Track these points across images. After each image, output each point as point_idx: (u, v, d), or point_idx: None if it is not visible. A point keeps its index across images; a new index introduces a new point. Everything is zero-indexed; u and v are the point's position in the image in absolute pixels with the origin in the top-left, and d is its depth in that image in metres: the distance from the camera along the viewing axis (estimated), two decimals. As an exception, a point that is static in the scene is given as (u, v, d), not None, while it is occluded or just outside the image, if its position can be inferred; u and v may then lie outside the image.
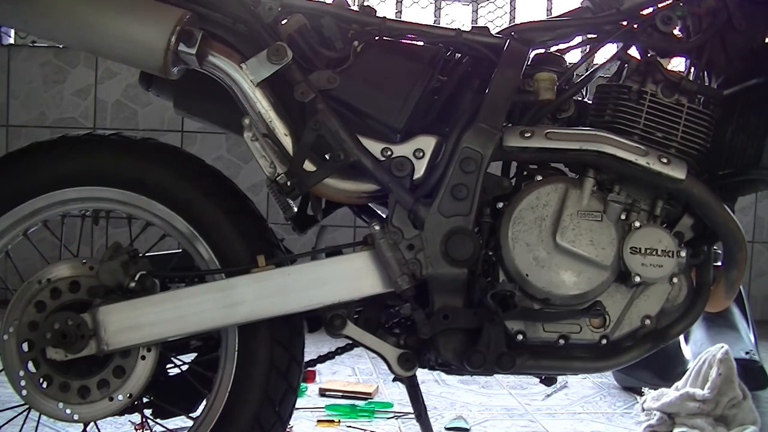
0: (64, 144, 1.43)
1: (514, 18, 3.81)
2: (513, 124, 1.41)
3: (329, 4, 1.44)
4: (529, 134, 1.36)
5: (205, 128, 3.52)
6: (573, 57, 1.54)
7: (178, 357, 1.49)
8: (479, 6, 3.83)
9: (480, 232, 1.39)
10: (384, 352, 1.39)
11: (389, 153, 1.36)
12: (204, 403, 1.44)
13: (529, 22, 1.47)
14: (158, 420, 1.49)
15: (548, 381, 1.54)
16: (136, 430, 1.81)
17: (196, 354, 1.53)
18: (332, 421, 2.02)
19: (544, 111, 1.41)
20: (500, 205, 1.39)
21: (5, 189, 1.40)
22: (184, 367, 1.48)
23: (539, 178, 1.39)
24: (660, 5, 1.42)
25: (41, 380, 1.37)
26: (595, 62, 1.69)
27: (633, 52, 1.45)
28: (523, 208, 1.36)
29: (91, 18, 1.30)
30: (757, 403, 2.05)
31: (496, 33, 1.46)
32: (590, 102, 1.48)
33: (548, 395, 2.32)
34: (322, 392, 2.25)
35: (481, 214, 1.38)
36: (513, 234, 1.35)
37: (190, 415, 1.47)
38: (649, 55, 1.44)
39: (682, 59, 1.52)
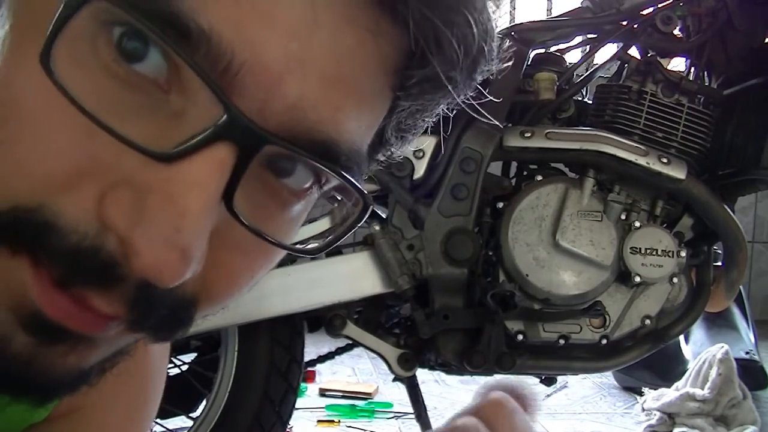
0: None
1: (514, 18, 3.81)
2: (513, 124, 1.41)
3: None
4: (529, 134, 1.36)
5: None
6: (573, 57, 1.54)
7: (178, 357, 1.49)
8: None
9: (480, 232, 1.39)
10: (384, 352, 1.39)
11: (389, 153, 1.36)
12: (204, 403, 1.44)
13: (529, 22, 1.47)
14: (158, 420, 1.49)
15: (548, 381, 1.54)
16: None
17: (196, 354, 1.53)
18: (332, 421, 2.01)
19: (544, 111, 1.41)
20: (500, 205, 1.39)
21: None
22: (184, 367, 1.48)
23: (539, 178, 1.39)
24: (660, 5, 1.42)
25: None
26: (595, 62, 1.69)
27: (633, 52, 1.45)
28: (523, 208, 1.36)
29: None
30: (757, 403, 2.05)
31: (496, 33, 1.46)
32: (590, 102, 1.48)
33: (548, 395, 2.31)
34: (322, 392, 2.25)
35: (481, 214, 1.38)
36: (513, 234, 1.35)
37: (190, 415, 1.47)
38: (649, 55, 1.44)
39: (682, 59, 1.52)
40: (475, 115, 0.41)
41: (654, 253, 1.35)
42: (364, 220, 0.37)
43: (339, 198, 0.39)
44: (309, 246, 0.39)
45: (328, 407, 2.11)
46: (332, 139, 0.34)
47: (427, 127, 0.42)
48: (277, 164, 0.34)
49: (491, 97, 0.42)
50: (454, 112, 0.40)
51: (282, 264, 1.37)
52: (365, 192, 0.36)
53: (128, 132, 0.30)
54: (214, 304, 0.37)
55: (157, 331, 0.34)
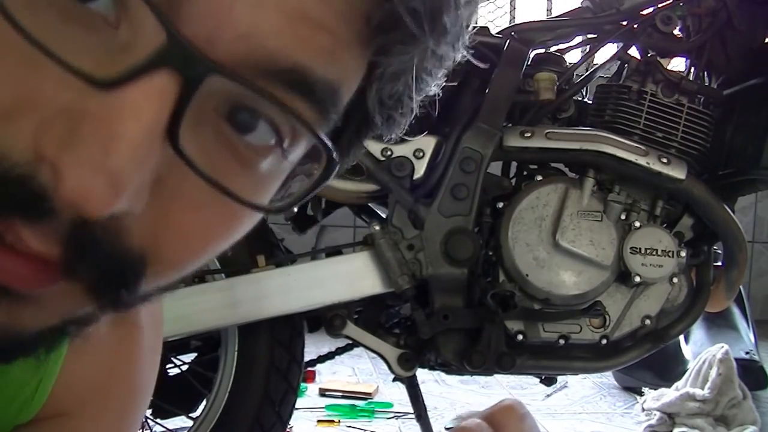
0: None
1: (514, 18, 3.81)
2: (513, 124, 1.41)
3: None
4: (529, 134, 1.36)
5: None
6: (573, 57, 1.54)
7: (178, 357, 1.49)
8: (479, 6, 3.82)
9: (480, 232, 1.39)
10: (384, 352, 1.39)
11: (389, 153, 1.36)
12: (204, 403, 1.44)
13: (529, 22, 1.47)
14: (158, 420, 1.49)
15: (548, 381, 1.54)
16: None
17: (196, 354, 1.53)
18: (332, 421, 2.01)
19: (544, 111, 1.41)
20: (500, 205, 1.39)
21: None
22: (184, 367, 1.48)
23: (539, 178, 1.39)
24: (660, 5, 1.42)
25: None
26: (595, 62, 1.69)
27: (633, 52, 1.45)
28: (523, 208, 1.36)
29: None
30: (757, 403, 2.05)
31: (496, 33, 1.46)
32: (590, 102, 1.48)
33: (548, 395, 2.31)
34: (322, 392, 2.24)
35: (481, 214, 1.38)
36: (513, 234, 1.35)
37: (190, 415, 1.47)
38: (649, 55, 1.44)
39: (682, 59, 1.52)
40: (471, 57, 0.38)
41: (654, 253, 1.35)
42: (331, 175, 0.35)
43: (312, 166, 0.37)
44: (271, 204, 0.37)
45: (328, 407, 2.11)
46: (302, 65, 0.32)
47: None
48: (237, 117, 0.33)
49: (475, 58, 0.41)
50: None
51: (282, 264, 1.37)
52: (327, 141, 0.33)
53: (66, 61, 0.29)
54: (167, 267, 0.34)
55: (100, 285, 0.32)
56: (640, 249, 1.35)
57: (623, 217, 1.38)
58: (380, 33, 0.34)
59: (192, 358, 1.51)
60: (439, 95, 0.40)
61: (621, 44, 1.44)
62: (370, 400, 2.20)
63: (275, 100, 0.32)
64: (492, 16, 3.82)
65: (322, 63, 0.33)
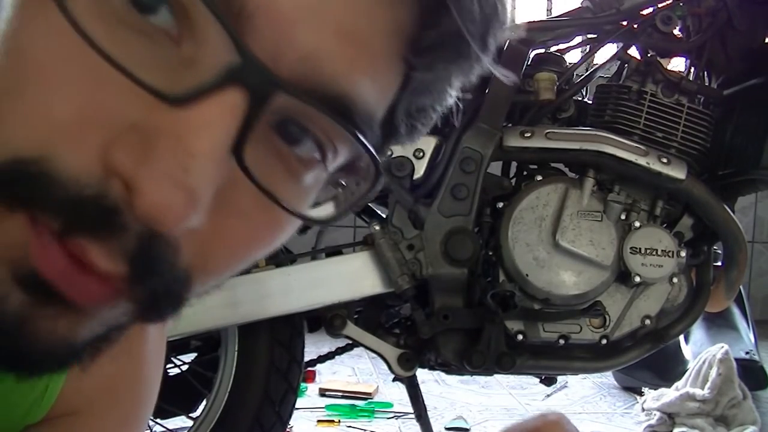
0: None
1: (514, 18, 3.81)
2: (513, 124, 1.41)
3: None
4: (529, 134, 1.36)
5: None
6: (573, 57, 1.54)
7: (178, 357, 1.49)
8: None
9: (480, 232, 1.39)
10: (384, 352, 1.39)
11: (389, 153, 1.36)
12: (204, 403, 1.44)
13: (529, 22, 1.47)
14: (158, 420, 1.49)
15: (548, 381, 1.54)
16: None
17: (196, 354, 1.53)
18: (332, 421, 2.01)
19: (544, 111, 1.41)
20: (500, 205, 1.39)
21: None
22: (184, 367, 1.48)
23: (539, 178, 1.39)
24: (660, 5, 1.42)
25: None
26: (595, 62, 1.69)
27: (633, 52, 1.45)
28: (523, 208, 1.36)
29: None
30: (757, 403, 2.05)
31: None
32: (590, 102, 1.48)
33: (548, 395, 2.31)
34: (322, 392, 2.24)
35: (481, 214, 1.38)
36: (513, 234, 1.35)
37: (190, 415, 1.47)
38: (649, 55, 1.44)
39: (682, 59, 1.52)
40: (490, 68, 0.38)
41: (654, 253, 1.35)
42: (377, 187, 0.36)
43: (345, 181, 0.38)
44: (320, 215, 0.39)
45: (328, 407, 2.11)
46: (348, 95, 0.33)
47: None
48: (286, 129, 0.34)
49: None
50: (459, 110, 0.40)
51: (282, 264, 1.37)
52: (377, 156, 0.34)
53: (140, 78, 0.29)
54: (209, 277, 0.35)
55: (150, 303, 0.33)
56: (640, 249, 1.35)
57: (623, 217, 1.38)
58: (427, 53, 0.35)
59: (192, 358, 1.51)
60: (458, 106, 0.41)
61: (621, 44, 1.44)
62: (370, 400, 2.20)
63: (344, 126, 0.33)
64: (492, 16, 3.82)
65: (366, 91, 0.34)
